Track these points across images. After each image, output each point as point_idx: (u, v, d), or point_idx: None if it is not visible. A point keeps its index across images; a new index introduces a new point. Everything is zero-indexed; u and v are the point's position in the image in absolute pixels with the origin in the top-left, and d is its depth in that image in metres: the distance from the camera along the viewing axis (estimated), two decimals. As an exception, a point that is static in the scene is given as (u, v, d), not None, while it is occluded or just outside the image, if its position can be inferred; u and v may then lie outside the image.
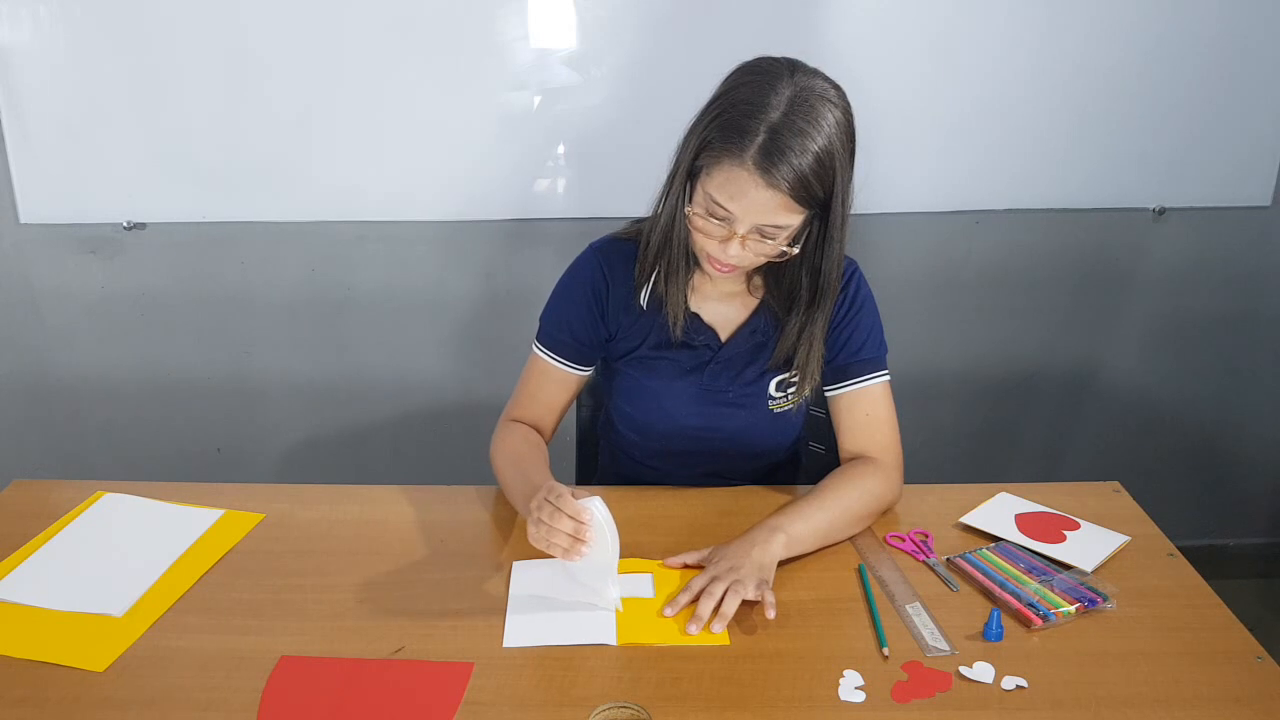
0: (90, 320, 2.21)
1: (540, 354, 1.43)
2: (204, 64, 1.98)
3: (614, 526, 1.13)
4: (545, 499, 1.13)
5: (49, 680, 1.05)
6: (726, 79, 1.22)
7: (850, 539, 1.31)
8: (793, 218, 1.19)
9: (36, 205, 2.09)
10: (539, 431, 1.43)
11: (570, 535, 1.11)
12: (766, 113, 1.14)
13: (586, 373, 1.44)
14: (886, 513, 1.36)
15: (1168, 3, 2.00)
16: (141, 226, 2.12)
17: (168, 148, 2.04)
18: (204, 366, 2.25)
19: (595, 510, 1.12)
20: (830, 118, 1.16)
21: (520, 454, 1.36)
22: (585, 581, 1.16)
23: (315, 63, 1.99)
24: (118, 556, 1.26)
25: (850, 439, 1.39)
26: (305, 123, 2.02)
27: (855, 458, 1.38)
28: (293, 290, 2.19)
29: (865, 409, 1.38)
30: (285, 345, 2.24)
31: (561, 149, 2.07)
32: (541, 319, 1.44)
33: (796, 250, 1.24)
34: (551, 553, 1.13)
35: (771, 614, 1.11)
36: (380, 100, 2.02)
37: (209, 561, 1.25)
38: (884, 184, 2.07)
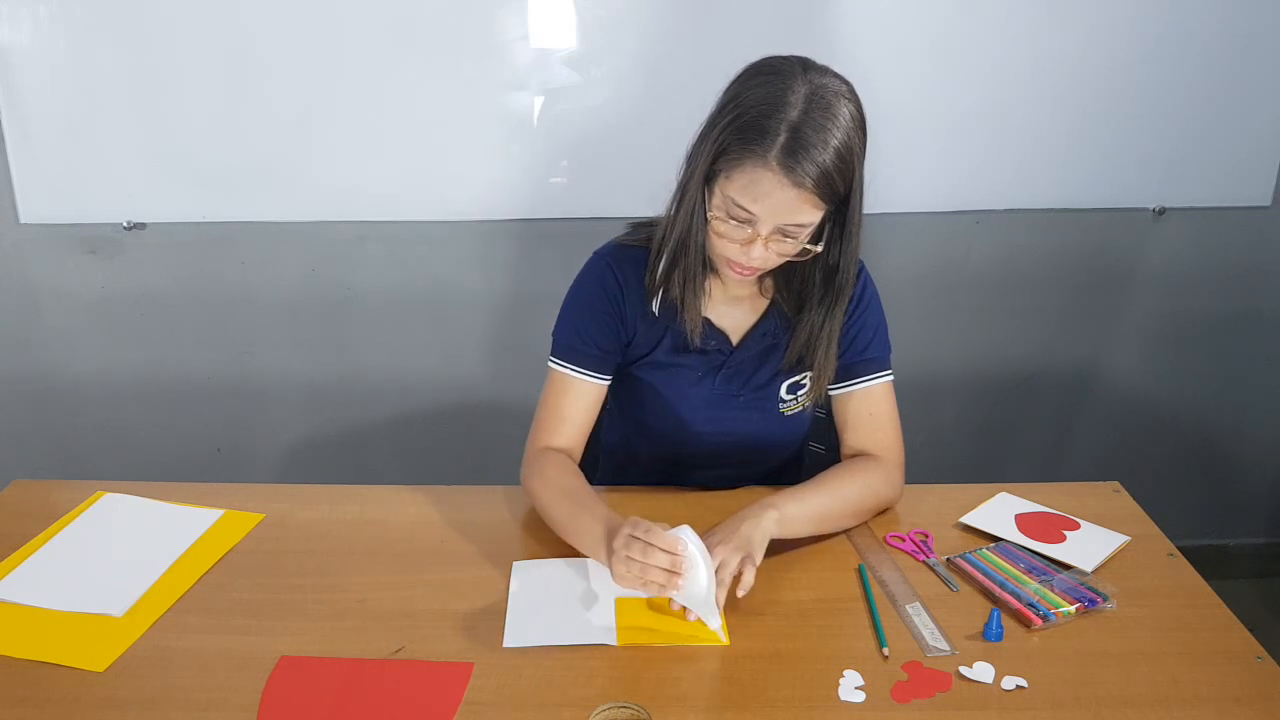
0: (90, 320, 2.21)
1: (560, 370, 1.38)
2: (204, 64, 1.98)
3: (707, 554, 1.11)
4: (633, 536, 1.10)
5: (49, 680, 1.05)
6: (736, 81, 1.21)
7: (850, 538, 1.30)
8: (815, 215, 1.19)
9: (36, 205, 2.09)
10: (570, 456, 1.37)
11: (666, 570, 1.09)
12: (786, 111, 1.14)
13: (608, 381, 1.40)
14: (886, 511, 1.36)
15: (1168, 3, 2.00)
16: (141, 226, 2.12)
17: (168, 148, 2.04)
18: (204, 366, 2.25)
19: (688, 540, 1.10)
20: (846, 113, 1.16)
21: (571, 488, 1.30)
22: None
23: (315, 63, 1.99)
24: (118, 556, 1.26)
25: (853, 437, 1.39)
26: (305, 123, 2.02)
27: (857, 456, 1.38)
28: (293, 290, 2.19)
29: (869, 408, 1.38)
30: (285, 345, 2.24)
31: (562, 149, 2.07)
32: (555, 335, 1.40)
33: (820, 248, 1.23)
34: (646, 590, 1.11)
35: (741, 592, 1.12)
36: (380, 100, 2.01)
37: (209, 561, 1.25)
38: (884, 184, 2.04)
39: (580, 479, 1.32)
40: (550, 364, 1.39)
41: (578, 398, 1.38)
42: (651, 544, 1.09)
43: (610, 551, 1.13)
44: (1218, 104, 2.09)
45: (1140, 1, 2.00)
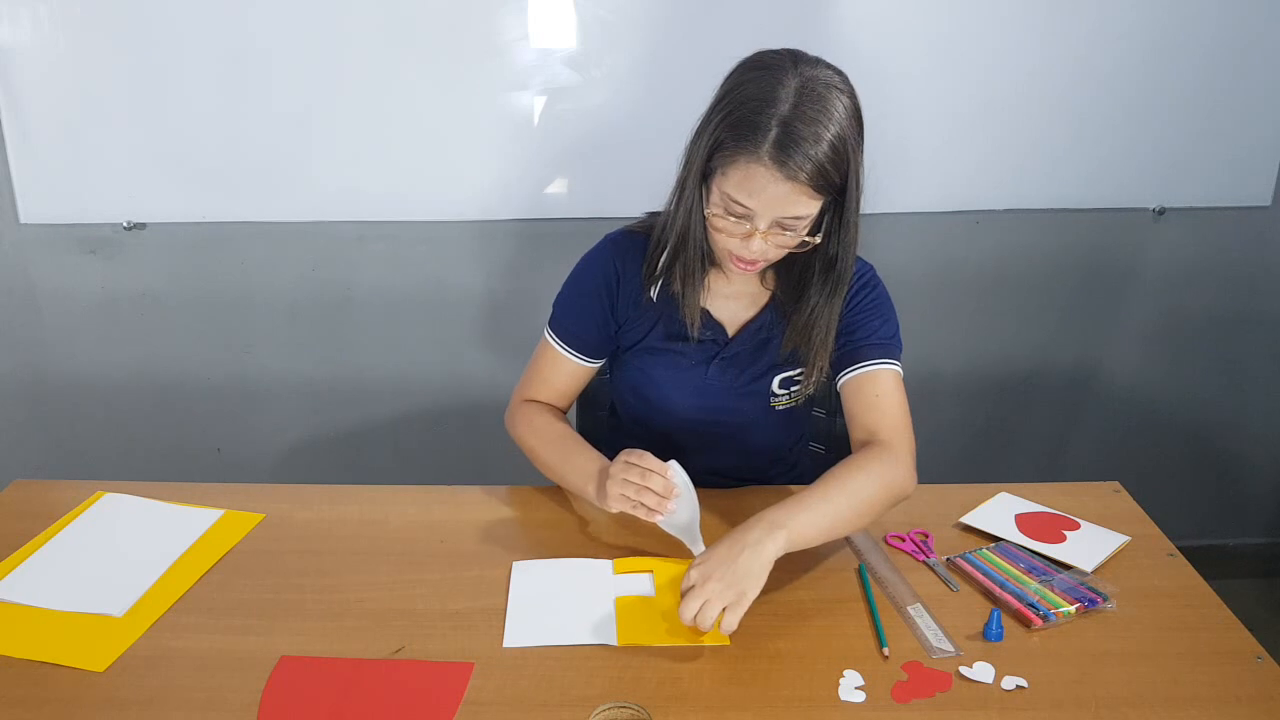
0: (90, 320, 2.21)
1: (552, 342, 1.42)
2: (204, 64, 1.98)
3: (692, 487, 1.25)
4: (629, 462, 1.23)
5: (49, 680, 1.05)
6: (729, 77, 1.21)
7: (850, 538, 1.30)
8: (812, 206, 1.19)
9: (36, 205, 2.09)
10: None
11: (658, 494, 1.21)
12: (776, 106, 1.14)
13: (598, 364, 1.44)
14: (901, 501, 1.28)
15: (1168, 3, 2.00)
16: (141, 226, 2.12)
17: (168, 148, 2.04)
18: (204, 366, 2.25)
19: (677, 472, 1.24)
20: (839, 104, 1.16)
21: (559, 433, 1.39)
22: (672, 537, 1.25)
23: (315, 63, 1.98)
24: (118, 556, 1.26)
25: (859, 421, 1.32)
26: (305, 123, 2.02)
27: (865, 444, 1.31)
28: (293, 290, 2.19)
29: (874, 389, 1.33)
30: (285, 345, 2.24)
31: (562, 149, 2.07)
32: (555, 306, 1.43)
33: (819, 239, 1.23)
34: (636, 513, 1.22)
35: (723, 632, 1.08)
36: (380, 100, 2.01)
37: (209, 561, 1.25)
38: (884, 184, 2.06)
39: (569, 428, 1.41)
40: (546, 331, 1.44)
41: (563, 372, 1.44)
42: (649, 468, 1.22)
43: (607, 477, 1.24)
44: (1218, 104, 2.09)
45: (1140, 2, 2.00)
